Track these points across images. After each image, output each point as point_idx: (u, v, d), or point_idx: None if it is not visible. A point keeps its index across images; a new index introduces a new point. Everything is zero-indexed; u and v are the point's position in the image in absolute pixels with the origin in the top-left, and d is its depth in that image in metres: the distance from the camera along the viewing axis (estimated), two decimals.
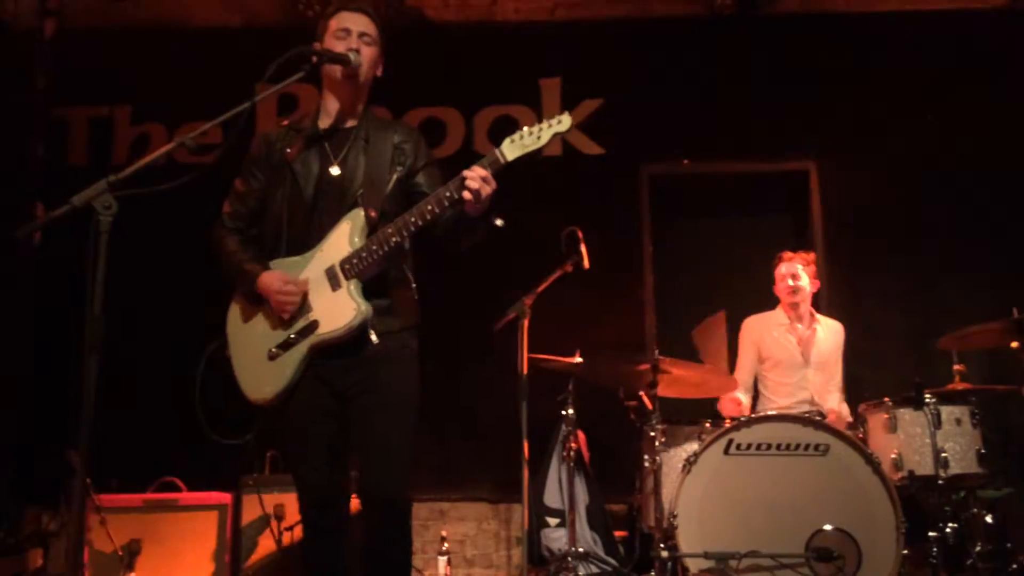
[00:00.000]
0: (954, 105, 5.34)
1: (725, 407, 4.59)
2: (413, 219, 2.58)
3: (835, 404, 4.57)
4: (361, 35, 2.74)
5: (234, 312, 2.79)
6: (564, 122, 2.55)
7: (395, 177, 2.73)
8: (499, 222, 2.67)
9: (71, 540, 2.64)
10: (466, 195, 2.51)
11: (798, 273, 4.61)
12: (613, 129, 5.46)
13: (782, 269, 4.66)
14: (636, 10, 5.63)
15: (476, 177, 2.50)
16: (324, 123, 2.80)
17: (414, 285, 2.80)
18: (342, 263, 2.62)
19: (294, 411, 2.66)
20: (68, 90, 5.58)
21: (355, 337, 2.61)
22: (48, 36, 5.57)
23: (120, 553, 4.02)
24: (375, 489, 2.59)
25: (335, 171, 2.72)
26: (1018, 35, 5.39)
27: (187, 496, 4.30)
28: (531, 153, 2.56)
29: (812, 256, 4.70)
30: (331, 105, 2.80)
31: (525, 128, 2.56)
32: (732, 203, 5.67)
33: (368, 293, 2.63)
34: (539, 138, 2.54)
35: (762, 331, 4.68)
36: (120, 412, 3.96)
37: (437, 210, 2.57)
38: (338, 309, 2.61)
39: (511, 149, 2.55)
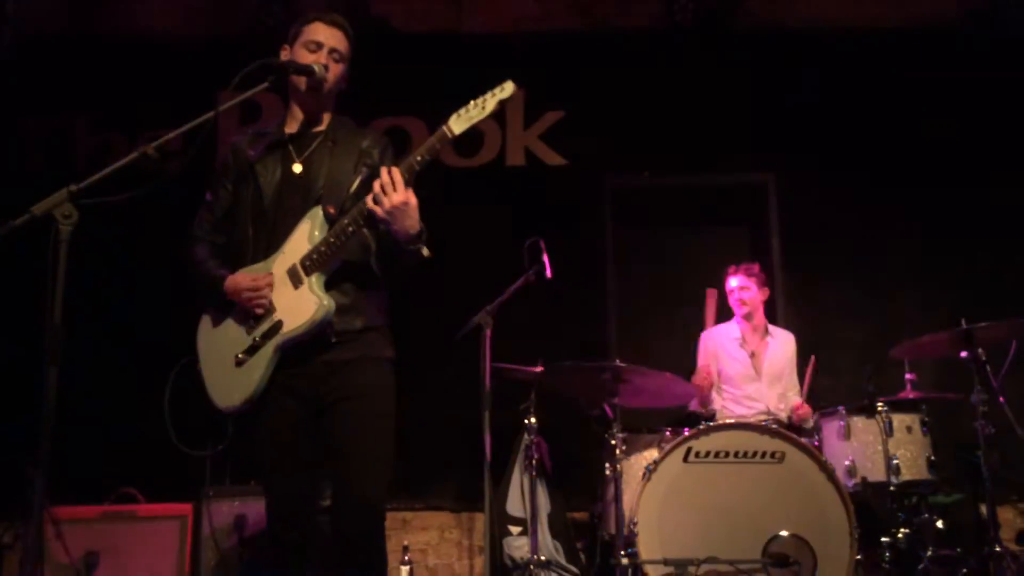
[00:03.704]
0: (910, 120, 5.47)
1: (697, 379, 4.62)
2: (367, 206, 2.53)
3: (797, 399, 4.65)
4: (332, 51, 2.72)
5: (204, 326, 2.76)
6: (507, 88, 2.53)
7: (359, 179, 2.70)
8: (426, 252, 2.59)
9: (28, 552, 2.61)
10: (373, 198, 2.46)
11: (744, 285, 4.73)
12: (576, 141, 5.53)
13: (730, 283, 4.80)
14: (599, 24, 5.71)
15: (387, 183, 2.45)
16: (290, 128, 2.79)
17: (385, 289, 2.78)
18: (302, 260, 2.59)
19: (265, 421, 2.63)
20: (27, 98, 5.51)
21: (320, 333, 2.57)
22: (5, 43, 5.49)
23: (77, 566, 3.96)
24: (353, 495, 2.55)
25: (297, 168, 2.70)
26: (969, 53, 5.54)
27: (146, 507, 4.23)
28: (477, 124, 2.54)
29: (756, 267, 4.82)
30: (296, 113, 2.79)
31: (471, 102, 2.54)
32: (692, 215, 5.77)
33: (332, 290, 2.60)
34: (484, 108, 2.53)
35: (716, 345, 4.79)
36: (79, 423, 3.93)
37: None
38: (300, 305, 2.57)
39: (458, 123, 2.54)
